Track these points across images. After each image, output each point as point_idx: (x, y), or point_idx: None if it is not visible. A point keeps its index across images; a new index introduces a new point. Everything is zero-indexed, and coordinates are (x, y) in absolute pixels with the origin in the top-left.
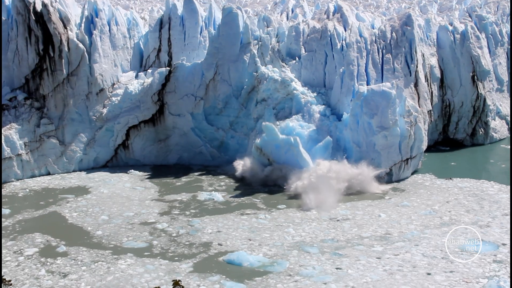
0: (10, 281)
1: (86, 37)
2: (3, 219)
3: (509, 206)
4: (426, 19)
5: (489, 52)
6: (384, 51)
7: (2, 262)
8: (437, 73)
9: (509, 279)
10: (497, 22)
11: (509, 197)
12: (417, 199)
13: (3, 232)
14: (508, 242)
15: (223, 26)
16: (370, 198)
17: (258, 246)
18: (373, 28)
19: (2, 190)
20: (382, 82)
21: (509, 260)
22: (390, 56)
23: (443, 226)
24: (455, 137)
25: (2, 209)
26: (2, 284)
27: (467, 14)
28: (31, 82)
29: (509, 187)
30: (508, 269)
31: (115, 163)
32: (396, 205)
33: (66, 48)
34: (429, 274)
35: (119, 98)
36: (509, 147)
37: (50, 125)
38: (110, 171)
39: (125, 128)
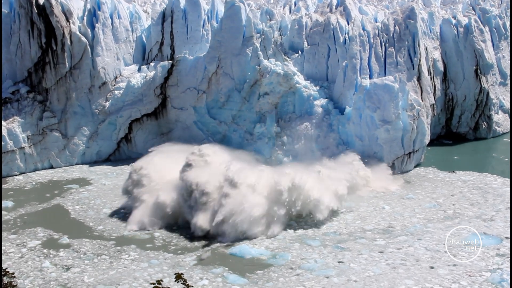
0: (13, 273)
1: (89, 30)
2: (6, 212)
3: None
4: (430, 12)
5: (493, 45)
6: (387, 44)
7: (6, 254)
8: (440, 66)
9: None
10: (501, 15)
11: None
12: (422, 192)
13: (6, 225)
14: None
15: (225, 19)
16: (376, 189)
17: (260, 239)
18: (376, 22)
19: (6, 183)
20: (385, 76)
21: None
22: (393, 49)
23: (446, 220)
24: (458, 131)
25: (6, 201)
26: (6, 277)
27: (471, 7)
28: (33, 75)
29: None
30: None
31: (118, 157)
32: (401, 197)
33: (68, 42)
34: (432, 267)
35: (121, 91)
36: None
37: (53, 118)
38: (112, 164)
39: (127, 122)
